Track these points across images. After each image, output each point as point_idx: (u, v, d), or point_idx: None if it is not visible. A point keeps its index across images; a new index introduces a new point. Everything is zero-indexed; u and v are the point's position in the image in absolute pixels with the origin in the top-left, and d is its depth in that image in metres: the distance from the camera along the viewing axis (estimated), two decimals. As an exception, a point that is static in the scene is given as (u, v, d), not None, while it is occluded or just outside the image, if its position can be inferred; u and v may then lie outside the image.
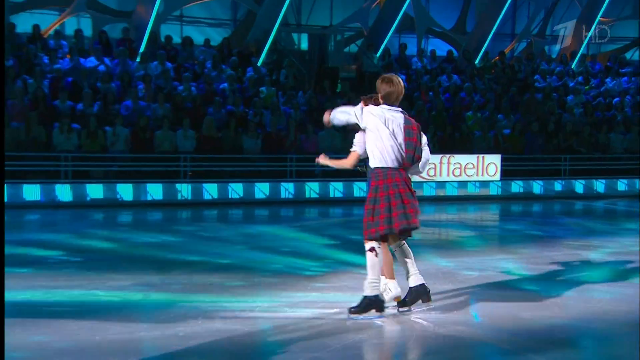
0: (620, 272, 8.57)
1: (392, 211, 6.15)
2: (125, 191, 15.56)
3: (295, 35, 23.29)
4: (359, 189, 16.39)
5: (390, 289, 6.47)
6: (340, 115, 6.44)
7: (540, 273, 8.38)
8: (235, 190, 16.15)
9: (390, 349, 5.70)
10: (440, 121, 18.31)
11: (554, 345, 5.65)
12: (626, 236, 11.67)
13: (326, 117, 6.59)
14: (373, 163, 6.25)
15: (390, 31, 21.65)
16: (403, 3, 21.39)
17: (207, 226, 13.16)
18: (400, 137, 6.22)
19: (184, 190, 15.82)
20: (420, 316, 6.32)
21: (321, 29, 22.73)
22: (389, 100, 6.29)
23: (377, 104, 6.29)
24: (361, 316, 6.22)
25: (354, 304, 6.31)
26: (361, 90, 19.27)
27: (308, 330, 5.93)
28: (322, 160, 6.64)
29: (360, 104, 6.36)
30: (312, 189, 16.58)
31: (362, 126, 6.29)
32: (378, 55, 21.21)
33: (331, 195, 16.61)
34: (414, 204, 6.21)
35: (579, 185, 18.59)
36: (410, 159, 6.25)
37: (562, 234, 12.03)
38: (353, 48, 23.23)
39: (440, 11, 23.88)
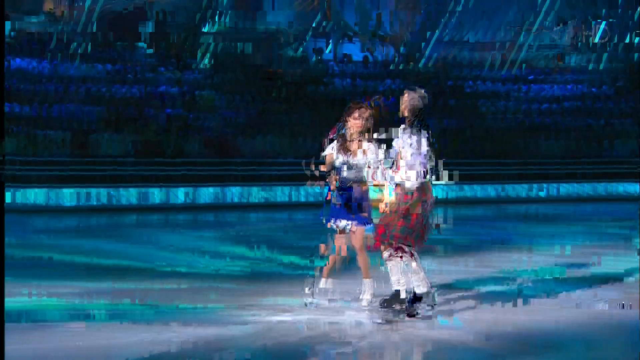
0: (578, 273, 8.55)
1: (425, 229, 6.24)
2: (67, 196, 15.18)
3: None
4: (306, 192, 16.39)
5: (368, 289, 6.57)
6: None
7: (497, 275, 8.34)
8: (179, 195, 15.95)
9: (384, 354, 5.56)
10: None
11: (544, 349, 5.60)
12: (573, 239, 11.97)
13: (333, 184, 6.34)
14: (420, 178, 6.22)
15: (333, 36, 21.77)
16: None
17: (151, 232, 12.88)
18: None
19: (127, 194, 15.53)
20: (406, 320, 6.22)
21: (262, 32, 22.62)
22: (421, 116, 6.31)
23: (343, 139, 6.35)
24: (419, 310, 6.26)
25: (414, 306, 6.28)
26: (302, 96, 19.46)
27: (282, 334, 5.80)
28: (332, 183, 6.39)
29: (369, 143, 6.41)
30: (257, 193, 16.50)
31: (424, 149, 6.23)
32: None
33: (277, 199, 16.58)
34: None
35: (511, 190, 19.02)
36: None
37: (506, 237, 12.17)
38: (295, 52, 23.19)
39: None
